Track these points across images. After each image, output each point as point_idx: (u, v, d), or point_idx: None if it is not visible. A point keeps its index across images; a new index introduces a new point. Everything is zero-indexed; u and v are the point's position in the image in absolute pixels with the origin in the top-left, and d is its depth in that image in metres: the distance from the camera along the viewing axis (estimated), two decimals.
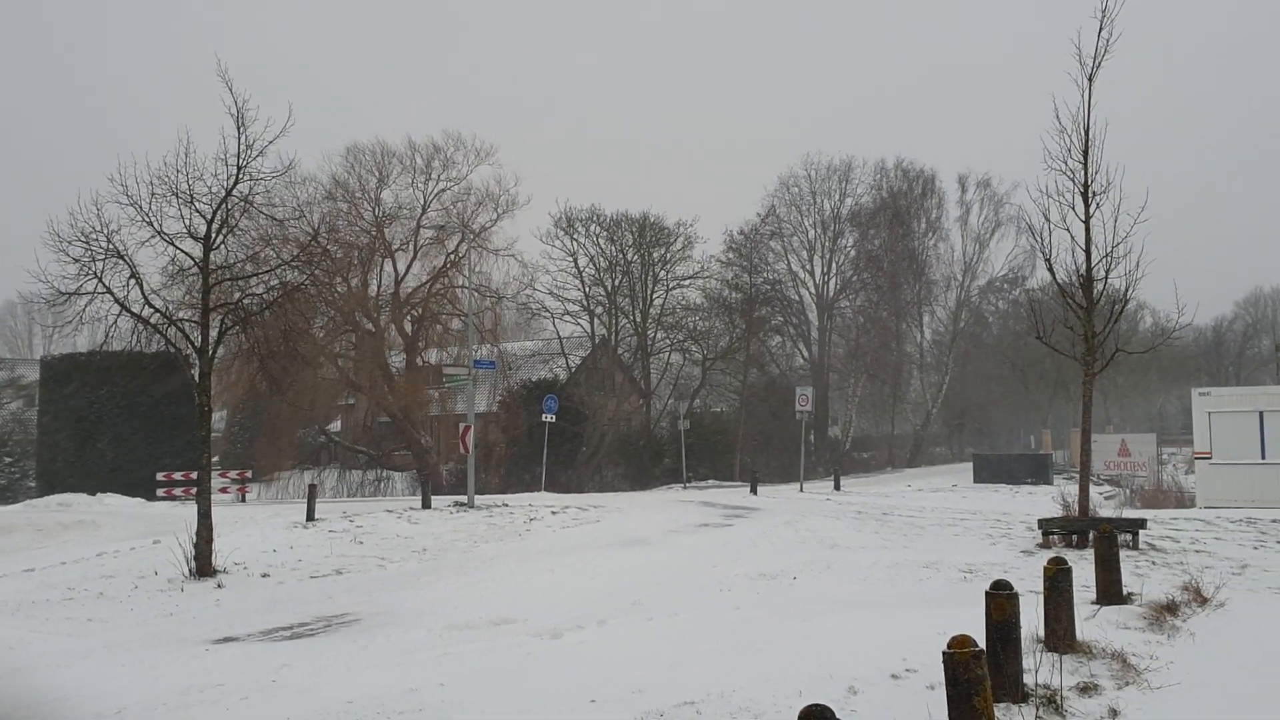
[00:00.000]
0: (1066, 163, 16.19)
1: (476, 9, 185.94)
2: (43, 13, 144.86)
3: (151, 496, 30.29)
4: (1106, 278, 16.24)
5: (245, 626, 11.01)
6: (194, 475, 21.66)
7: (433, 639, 9.85)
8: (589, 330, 47.30)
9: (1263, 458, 24.58)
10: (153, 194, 14.35)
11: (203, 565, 14.20)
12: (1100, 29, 15.89)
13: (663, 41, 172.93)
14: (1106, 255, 16.03)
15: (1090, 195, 16.08)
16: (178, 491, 30.73)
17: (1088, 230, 16.16)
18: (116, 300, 14.57)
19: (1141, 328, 55.87)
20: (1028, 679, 6.87)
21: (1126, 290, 16.57)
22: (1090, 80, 16.03)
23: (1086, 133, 16.06)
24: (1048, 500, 25.47)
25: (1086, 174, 16.08)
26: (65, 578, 14.04)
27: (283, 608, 12.19)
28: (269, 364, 17.24)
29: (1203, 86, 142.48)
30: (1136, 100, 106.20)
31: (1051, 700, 6.68)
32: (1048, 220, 16.38)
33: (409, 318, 40.18)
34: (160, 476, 31.30)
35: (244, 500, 33.09)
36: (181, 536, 14.48)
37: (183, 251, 15.02)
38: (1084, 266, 16.27)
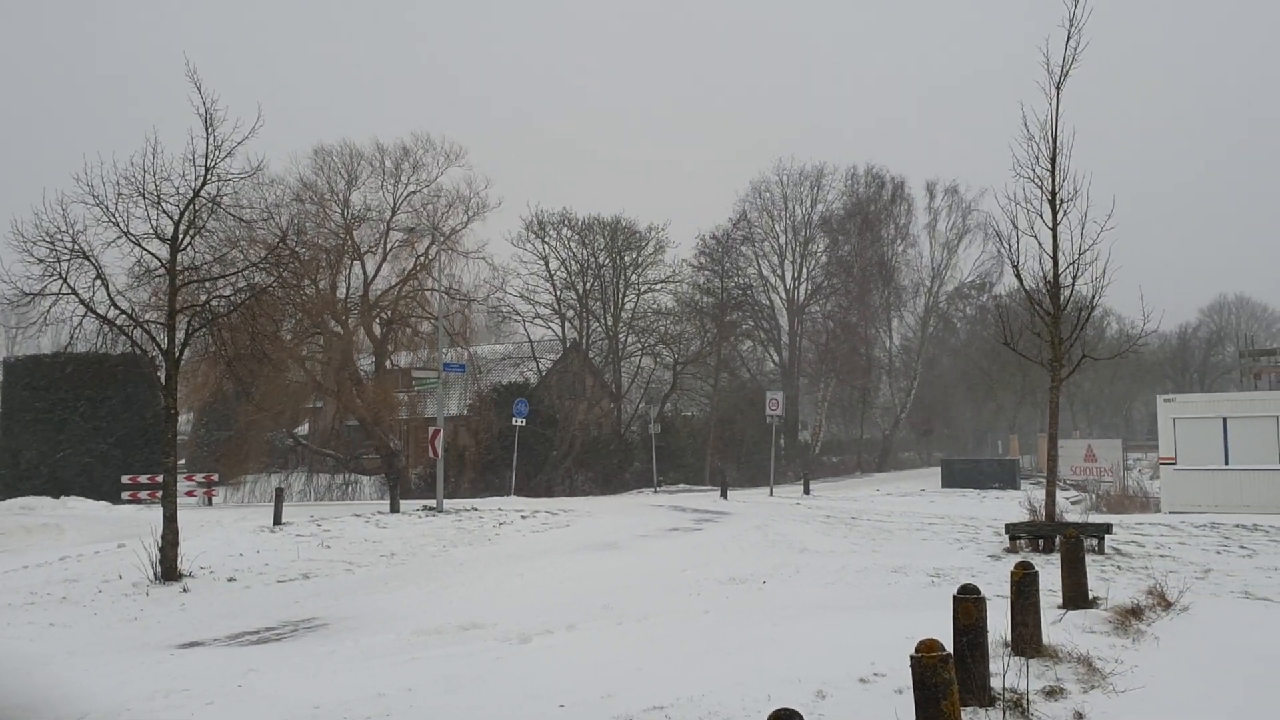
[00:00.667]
0: (1034, 170, 16.33)
1: (463, 21, 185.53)
2: (10, 9, 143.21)
3: (117, 500, 29.97)
4: (1073, 284, 16.38)
5: (211, 631, 10.90)
6: (160, 478, 21.43)
7: (401, 644, 9.79)
8: (560, 334, 47.24)
9: (1226, 463, 24.87)
10: (119, 194, 14.19)
11: (168, 569, 14.05)
12: (1068, 38, 16.05)
13: (654, 55, 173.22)
14: (1073, 262, 16.16)
15: (1058, 202, 16.21)
16: (143, 495, 30.42)
17: (1055, 237, 16.29)
18: (81, 301, 14.40)
19: (1108, 334, 56.35)
20: (995, 683, 6.90)
21: (1093, 297, 16.73)
22: (1058, 89, 16.18)
23: (1054, 141, 16.20)
24: (1015, 505, 25.68)
25: (1054, 181, 16.22)
26: (28, 582, 13.86)
27: (249, 612, 12.08)
28: (236, 366, 17.08)
29: (1166, 97, 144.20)
30: (1102, 111, 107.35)
31: (1018, 704, 6.71)
32: (1015, 227, 16.52)
33: (378, 320, 39.92)
34: (125, 480, 30.99)
35: (210, 504, 32.83)
36: (147, 540, 14.31)
37: (149, 252, 14.88)
38: (1051, 273, 16.40)
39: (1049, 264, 16.41)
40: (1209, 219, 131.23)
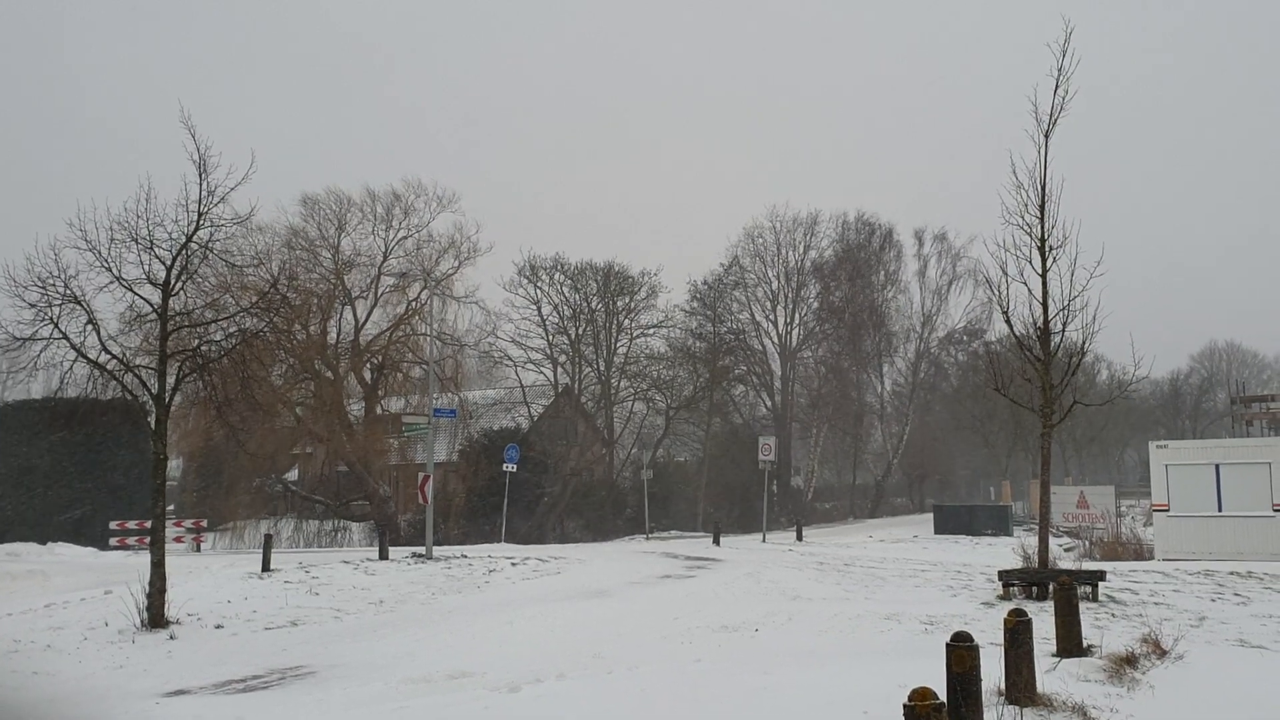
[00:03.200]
0: (1023, 217, 16.40)
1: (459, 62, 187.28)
2: (8, 54, 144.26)
3: (104, 546, 29.73)
4: (1064, 331, 16.41)
5: (197, 679, 10.78)
6: (148, 524, 21.24)
7: (389, 692, 9.69)
8: (552, 379, 47.19)
9: (1219, 510, 24.80)
10: (112, 239, 14.21)
11: (155, 616, 13.90)
12: (1056, 88, 16.21)
13: (646, 105, 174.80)
14: (1064, 308, 16.19)
15: (1047, 249, 16.28)
16: (131, 541, 30.17)
17: (1045, 284, 16.33)
18: (73, 346, 14.37)
19: (1099, 380, 56.51)
20: None
21: (1083, 343, 16.73)
22: (1046, 137, 16.30)
23: (1043, 188, 16.30)
24: (1008, 551, 25.56)
25: (1043, 228, 16.29)
26: (12, 630, 13.70)
27: (236, 660, 11.95)
28: (226, 412, 17.00)
29: (1154, 142, 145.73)
30: (1092, 158, 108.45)
31: None
32: (1005, 274, 16.55)
33: (369, 365, 39.92)
34: (114, 525, 30.74)
35: (199, 550, 32.53)
36: (134, 586, 14.18)
37: (141, 298, 14.86)
38: (1041, 319, 16.45)
39: (1039, 310, 16.46)
40: (1199, 266, 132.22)
